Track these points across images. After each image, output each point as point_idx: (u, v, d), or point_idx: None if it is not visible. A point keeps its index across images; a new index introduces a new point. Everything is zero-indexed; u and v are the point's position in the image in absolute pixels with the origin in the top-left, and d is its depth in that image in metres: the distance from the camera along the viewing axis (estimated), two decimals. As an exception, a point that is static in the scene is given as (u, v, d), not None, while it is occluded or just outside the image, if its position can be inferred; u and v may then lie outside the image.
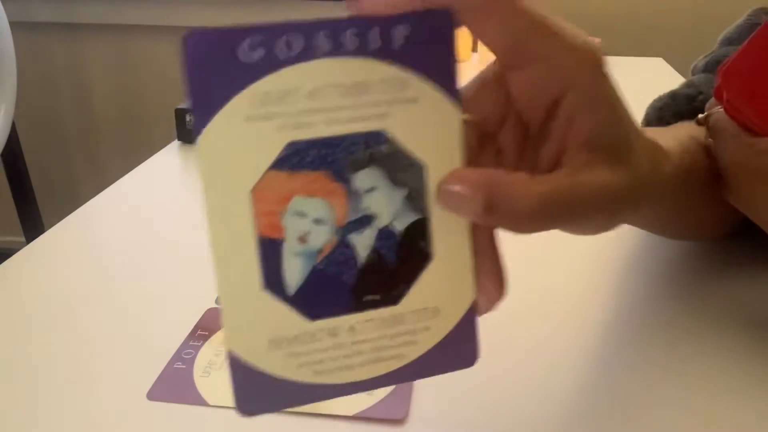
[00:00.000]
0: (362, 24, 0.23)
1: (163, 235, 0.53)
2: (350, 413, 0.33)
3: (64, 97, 1.88)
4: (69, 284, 0.46)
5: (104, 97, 1.87)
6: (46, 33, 1.80)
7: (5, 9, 1.39)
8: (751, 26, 0.52)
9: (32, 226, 1.63)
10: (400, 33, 0.24)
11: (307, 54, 0.23)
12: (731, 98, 0.38)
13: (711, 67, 0.52)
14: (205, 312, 0.42)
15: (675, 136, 0.39)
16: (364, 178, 0.25)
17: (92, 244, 0.52)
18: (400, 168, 0.25)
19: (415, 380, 0.27)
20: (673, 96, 0.49)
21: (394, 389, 0.35)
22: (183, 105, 0.75)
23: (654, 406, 0.34)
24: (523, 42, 0.24)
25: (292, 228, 0.24)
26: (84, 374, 0.36)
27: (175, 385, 0.35)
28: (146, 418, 0.33)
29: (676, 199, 0.38)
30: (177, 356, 0.38)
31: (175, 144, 0.75)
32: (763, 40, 0.37)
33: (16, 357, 0.38)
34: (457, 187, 0.24)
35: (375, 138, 0.24)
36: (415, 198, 0.25)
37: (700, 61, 0.54)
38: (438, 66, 0.25)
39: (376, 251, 0.25)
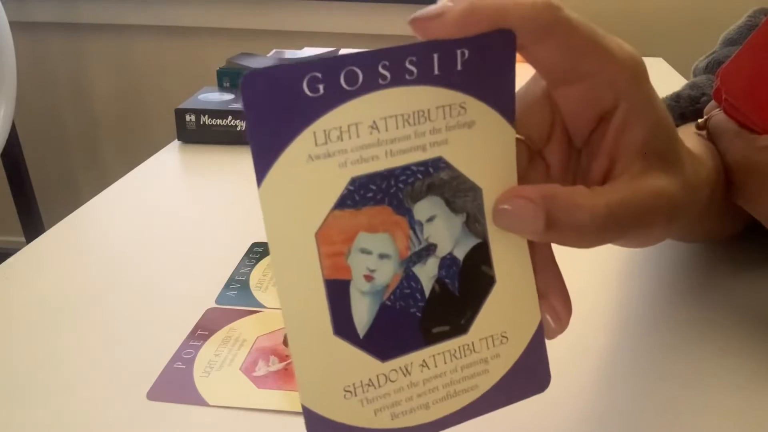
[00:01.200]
0: (422, 51, 0.22)
1: (163, 235, 0.53)
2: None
3: (64, 97, 1.88)
4: (69, 284, 0.46)
5: (104, 97, 1.87)
6: (46, 33, 1.80)
7: (5, 9, 1.39)
8: (751, 27, 0.52)
9: (32, 226, 1.63)
10: (460, 57, 0.23)
11: (367, 86, 0.22)
12: (730, 98, 0.38)
13: (712, 67, 0.51)
14: (205, 312, 0.42)
15: (698, 139, 0.39)
16: (424, 208, 0.24)
17: (92, 244, 0.52)
18: (458, 193, 0.24)
19: (490, 412, 0.26)
20: (676, 98, 0.49)
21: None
22: (183, 105, 0.75)
23: (656, 408, 0.34)
24: (575, 60, 0.24)
25: (357, 266, 0.23)
26: (84, 374, 0.36)
27: (175, 385, 0.35)
28: (146, 418, 0.33)
29: (709, 204, 0.38)
30: (177, 356, 0.38)
31: (175, 144, 0.75)
32: (760, 40, 0.37)
33: (16, 357, 0.38)
34: (514, 205, 0.24)
35: (434, 165, 0.24)
36: (474, 222, 0.25)
37: (701, 61, 0.54)
38: (497, 87, 0.24)
39: (440, 281, 0.25)
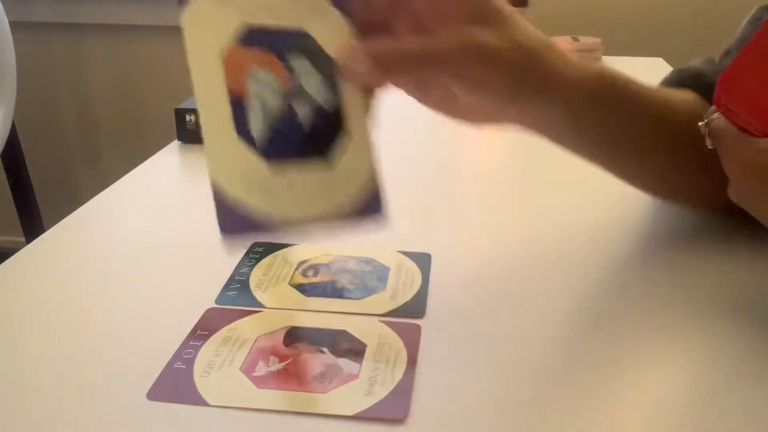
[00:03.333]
0: None
1: (163, 235, 0.53)
2: (350, 413, 0.33)
3: (64, 97, 1.88)
4: (69, 284, 0.46)
5: (104, 97, 1.87)
6: (46, 33, 1.80)
7: (5, 9, 1.39)
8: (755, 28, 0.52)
9: (32, 226, 1.63)
10: None
11: None
12: (730, 103, 0.38)
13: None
14: (205, 312, 0.42)
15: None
16: (298, 63, 0.36)
17: (92, 244, 0.52)
18: (320, 59, 0.36)
19: (345, 226, 0.37)
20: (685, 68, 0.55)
21: (395, 389, 0.35)
22: (183, 105, 0.75)
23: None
24: None
25: (253, 90, 0.34)
26: (84, 374, 0.36)
27: (175, 385, 0.35)
28: (146, 418, 0.33)
29: (590, 108, 0.43)
30: (177, 356, 0.38)
31: (175, 144, 0.75)
32: (759, 45, 0.37)
33: (15, 357, 0.38)
34: (348, 52, 0.36)
35: (302, 34, 0.36)
36: (333, 84, 0.37)
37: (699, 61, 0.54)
38: None
39: (312, 119, 0.36)
